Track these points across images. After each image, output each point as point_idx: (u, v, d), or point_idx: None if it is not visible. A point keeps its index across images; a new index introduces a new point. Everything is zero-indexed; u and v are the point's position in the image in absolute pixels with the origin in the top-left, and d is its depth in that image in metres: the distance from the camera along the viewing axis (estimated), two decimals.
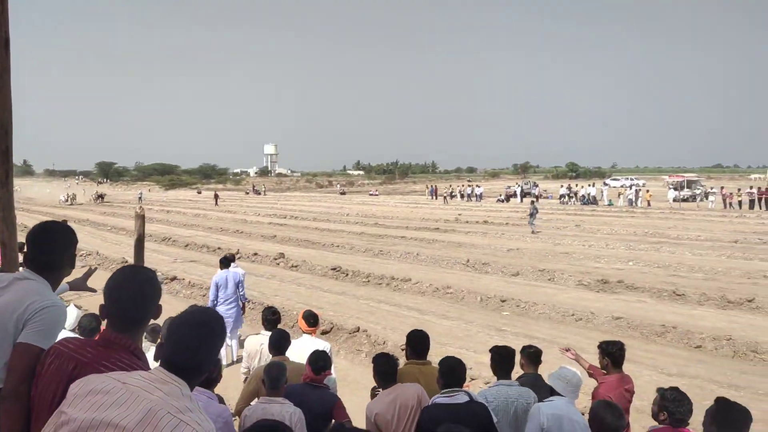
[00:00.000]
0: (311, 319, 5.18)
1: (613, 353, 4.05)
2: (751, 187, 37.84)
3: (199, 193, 70.82)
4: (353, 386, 7.11)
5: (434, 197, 51.67)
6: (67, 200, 53.01)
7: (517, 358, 4.25)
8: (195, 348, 1.60)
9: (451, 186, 58.22)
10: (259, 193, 68.72)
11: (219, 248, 20.07)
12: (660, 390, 3.32)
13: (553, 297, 12.04)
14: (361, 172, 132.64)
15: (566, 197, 42.75)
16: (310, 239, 22.51)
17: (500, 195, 48.26)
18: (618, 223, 26.80)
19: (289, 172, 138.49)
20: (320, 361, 3.79)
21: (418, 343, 4.06)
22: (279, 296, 12.57)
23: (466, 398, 3.47)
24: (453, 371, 3.53)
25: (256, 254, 18.32)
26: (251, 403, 3.92)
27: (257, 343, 4.98)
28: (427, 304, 11.81)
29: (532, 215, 24.10)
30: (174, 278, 14.27)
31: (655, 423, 3.33)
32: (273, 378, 3.49)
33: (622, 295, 12.21)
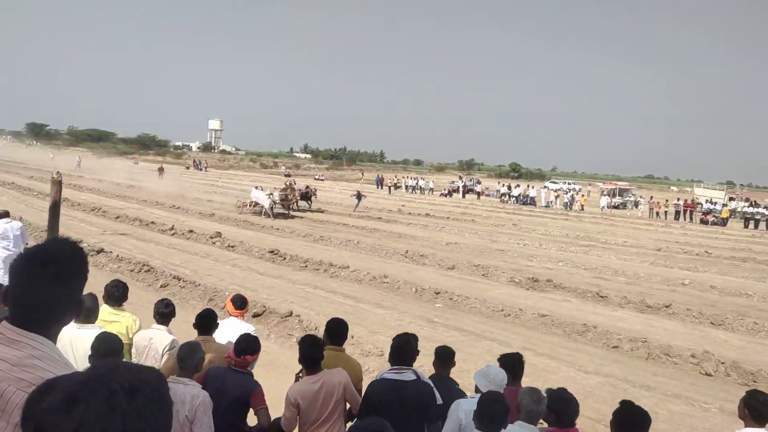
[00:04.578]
0: (239, 302, 5.08)
1: (510, 366, 4.00)
2: (678, 199, 40.12)
3: (136, 163, 67.92)
4: (281, 370, 7.03)
5: (380, 187, 51.83)
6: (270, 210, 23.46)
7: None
8: (39, 289, 1.34)
9: (396, 177, 58.49)
10: (200, 169, 66.63)
11: (152, 222, 19.34)
12: (549, 391, 3.41)
13: (485, 292, 12.34)
14: (308, 156, 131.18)
15: (506, 196, 43.91)
16: (249, 220, 22.06)
17: (444, 189, 49.03)
18: (553, 225, 27.79)
19: (233, 149, 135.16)
20: (243, 343, 3.71)
21: (335, 329, 4.22)
22: (212, 276, 12.26)
23: (413, 377, 3.61)
24: (401, 349, 3.70)
25: (191, 231, 17.77)
26: None
27: (146, 338, 4.52)
28: (362, 293, 11.84)
29: (358, 199, 28.98)
30: (101, 251, 13.64)
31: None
32: (180, 358, 3.40)
33: (549, 294, 12.68)
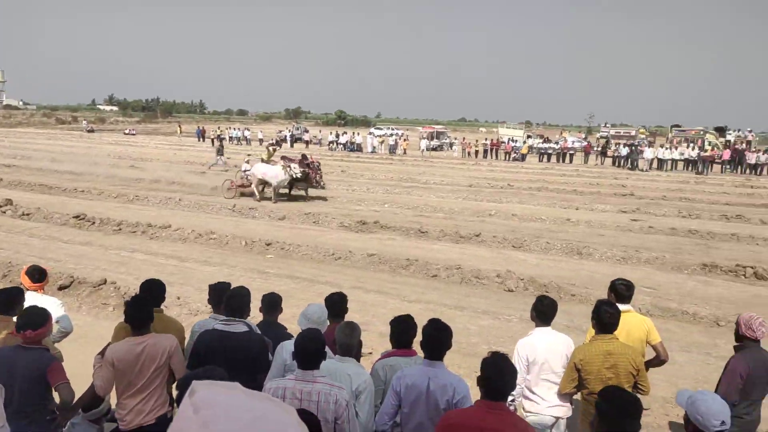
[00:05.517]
0: (36, 275, 4.55)
1: (331, 305, 4.08)
2: (486, 139, 44.17)
3: None
4: (97, 343, 6.34)
5: (202, 140, 48.88)
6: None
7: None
8: None
9: (219, 128, 55.49)
10: None
11: None
12: (391, 322, 3.68)
13: (316, 238, 12.53)
14: (115, 108, 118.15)
15: (334, 144, 44.43)
16: (47, 183, 19.39)
17: (271, 139, 47.92)
18: (378, 169, 28.89)
19: (20, 104, 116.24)
20: (22, 318, 3.32)
21: (151, 291, 4.02)
22: (4, 250, 10.65)
23: (244, 328, 3.59)
24: (231, 300, 3.70)
25: None
26: None
27: None
28: (188, 251, 11.26)
29: (219, 154, 27.61)
30: None
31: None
32: None
33: (377, 235, 13.31)
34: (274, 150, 20.44)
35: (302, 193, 18.56)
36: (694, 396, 2.65)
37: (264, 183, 17.86)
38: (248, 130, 51.09)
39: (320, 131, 52.11)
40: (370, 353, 6.44)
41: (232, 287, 4.00)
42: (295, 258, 11.08)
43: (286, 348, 3.46)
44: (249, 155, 20.99)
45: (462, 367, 5.97)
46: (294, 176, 17.62)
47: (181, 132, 52.54)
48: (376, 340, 6.90)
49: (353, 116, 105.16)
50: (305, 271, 10.16)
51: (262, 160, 18.52)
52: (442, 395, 2.98)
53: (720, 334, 7.51)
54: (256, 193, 17.84)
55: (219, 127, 55.11)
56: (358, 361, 3.57)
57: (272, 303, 4.13)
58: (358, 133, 47.04)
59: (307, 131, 51.45)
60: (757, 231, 14.45)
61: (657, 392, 5.57)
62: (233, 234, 12.43)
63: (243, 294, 3.77)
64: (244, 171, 18.68)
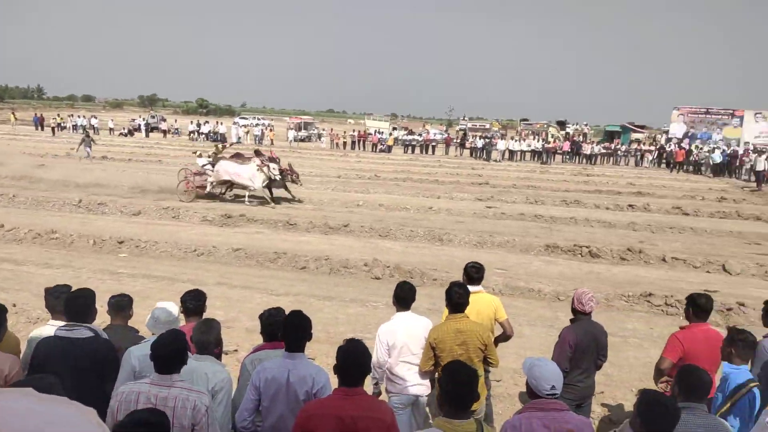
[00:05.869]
0: None
1: (184, 303, 3.92)
2: (353, 130, 44.70)
3: None
4: None
5: (40, 128, 43.73)
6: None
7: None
8: None
9: (60, 116, 49.89)
10: None
11: None
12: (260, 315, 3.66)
13: (176, 234, 11.86)
14: None
15: (195, 134, 42.18)
16: None
17: (123, 129, 44.30)
18: None
19: None
20: None
21: None
22: None
23: (89, 333, 3.33)
24: (70, 304, 3.42)
25: None
26: None
27: None
28: (25, 253, 10.07)
29: (88, 146, 25.84)
30: None
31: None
32: None
33: (243, 228, 12.93)
34: (223, 147, 18.97)
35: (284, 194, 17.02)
36: (533, 362, 2.95)
37: (229, 183, 16.31)
38: (95, 117, 46.55)
39: (176, 120, 49.05)
40: (236, 350, 6.27)
41: (73, 290, 3.66)
42: (152, 256, 10.39)
43: (134, 354, 3.25)
44: (217, 147, 18.65)
45: (330, 356, 6.03)
46: (273, 177, 15.98)
47: (15, 120, 46.44)
48: (242, 336, 6.74)
49: (216, 105, 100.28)
50: (164, 269, 9.57)
51: (211, 157, 16.89)
52: (301, 387, 2.99)
53: (561, 308, 8.38)
54: (199, 191, 16.29)
55: (59, 114, 49.41)
56: (219, 359, 3.47)
57: (119, 305, 3.84)
58: (222, 123, 45.11)
59: (164, 120, 48.15)
60: (591, 214, 16.32)
61: (508, 364, 6.10)
62: (79, 233, 11.34)
63: (85, 296, 3.47)
64: (203, 166, 16.71)
